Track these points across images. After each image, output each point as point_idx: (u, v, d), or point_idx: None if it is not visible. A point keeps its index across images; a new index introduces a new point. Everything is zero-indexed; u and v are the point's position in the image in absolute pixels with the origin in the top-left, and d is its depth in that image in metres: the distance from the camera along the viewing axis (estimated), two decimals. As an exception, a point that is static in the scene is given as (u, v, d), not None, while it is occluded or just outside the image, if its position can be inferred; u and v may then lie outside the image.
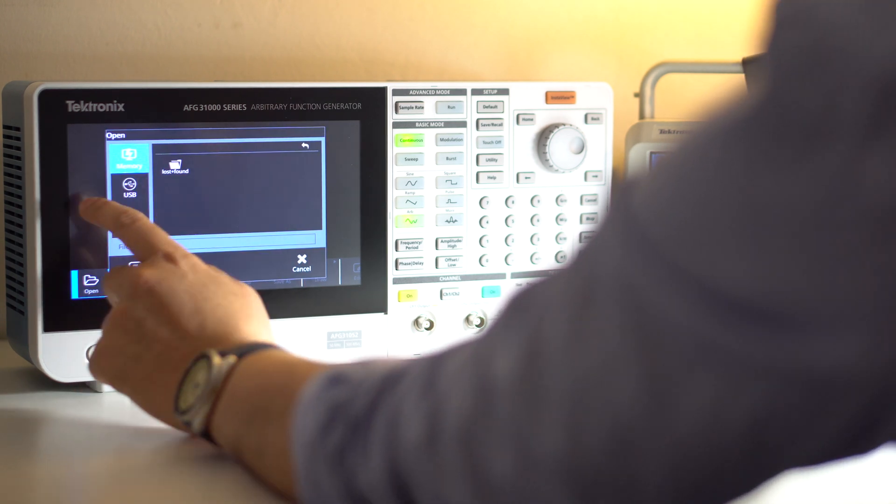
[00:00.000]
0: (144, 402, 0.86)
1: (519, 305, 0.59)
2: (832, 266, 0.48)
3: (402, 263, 1.08)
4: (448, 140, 1.09)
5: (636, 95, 1.27)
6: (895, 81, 0.46)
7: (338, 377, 0.69)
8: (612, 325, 0.53)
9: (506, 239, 1.11)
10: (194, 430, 0.80)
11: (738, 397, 0.51)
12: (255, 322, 0.86)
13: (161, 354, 0.84)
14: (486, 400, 0.58)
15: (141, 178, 1.00)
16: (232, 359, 0.79)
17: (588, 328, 0.54)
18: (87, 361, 0.99)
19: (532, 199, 1.11)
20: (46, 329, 0.98)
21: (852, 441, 0.52)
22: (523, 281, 0.59)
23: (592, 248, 0.55)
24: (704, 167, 0.51)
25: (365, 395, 0.66)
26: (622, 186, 0.55)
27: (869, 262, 0.48)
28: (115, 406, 0.97)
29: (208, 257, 1.02)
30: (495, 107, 1.10)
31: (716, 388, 0.51)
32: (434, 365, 0.62)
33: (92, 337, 0.99)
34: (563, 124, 1.12)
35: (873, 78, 0.46)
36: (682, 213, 0.51)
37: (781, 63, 0.49)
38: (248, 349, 0.80)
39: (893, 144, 0.46)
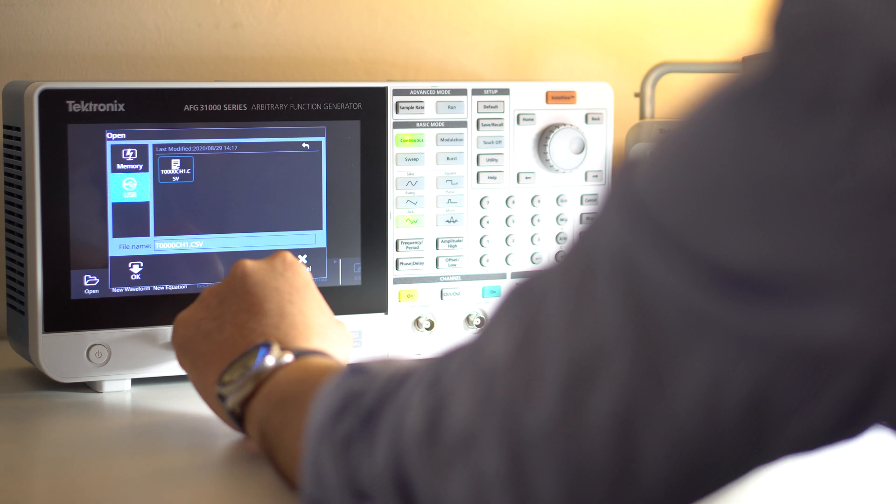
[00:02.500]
0: (197, 378, 0.87)
1: (519, 293, 0.59)
2: (833, 238, 0.48)
3: (402, 263, 1.08)
4: (448, 140, 1.09)
5: (636, 95, 1.27)
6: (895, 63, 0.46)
7: (359, 368, 0.70)
8: (611, 299, 0.53)
9: (506, 239, 1.11)
10: (227, 406, 0.80)
11: (737, 371, 0.51)
12: (330, 343, 0.86)
13: (230, 338, 0.85)
14: (484, 386, 0.58)
15: (141, 178, 1.00)
16: (290, 356, 0.80)
17: (586, 304, 0.54)
18: (86, 361, 0.99)
19: (532, 199, 1.11)
20: (46, 329, 0.98)
21: (848, 419, 0.52)
22: (547, 263, 0.59)
23: (593, 227, 0.55)
24: (706, 138, 0.51)
25: (379, 389, 0.66)
26: (624, 165, 0.55)
27: (869, 235, 0.48)
28: (116, 406, 0.97)
29: (209, 257, 1.02)
30: (496, 107, 1.10)
31: (714, 363, 0.51)
32: (442, 361, 0.63)
33: (92, 337, 0.99)
34: (564, 124, 1.12)
35: (876, 56, 0.47)
36: (682, 184, 0.51)
37: (788, 33, 0.49)
38: (308, 353, 0.81)
39: (893, 121, 0.47)
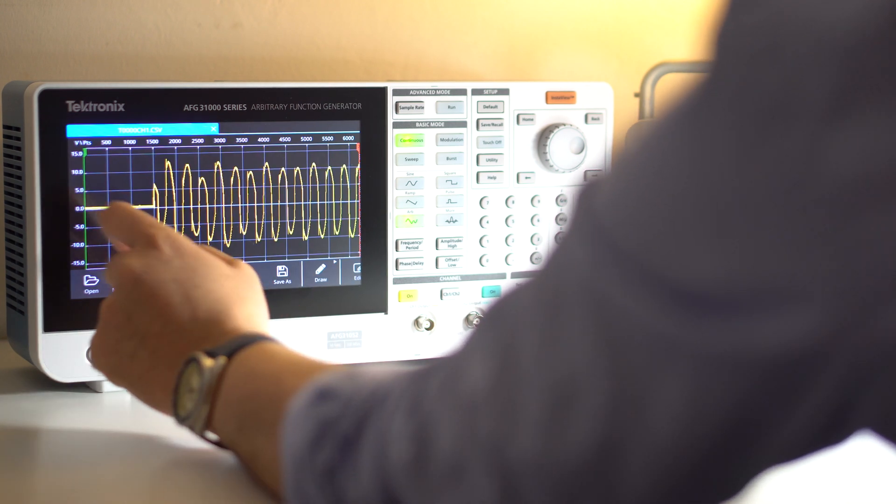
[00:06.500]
0: (144, 397, 0.85)
1: (493, 316, 0.58)
2: (795, 248, 0.47)
3: (402, 263, 1.08)
4: (448, 140, 1.09)
5: (636, 95, 1.27)
6: (856, 47, 0.45)
7: (326, 392, 0.68)
8: (580, 330, 0.53)
9: (506, 239, 1.11)
10: (197, 433, 0.79)
11: (713, 391, 0.50)
12: (248, 304, 0.85)
13: (156, 350, 0.83)
14: (467, 418, 0.58)
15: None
16: (222, 360, 0.78)
17: (557, 334, 0.54)
18: (86, 361, 0.99)
19: (532, 199, 1.11)
20: (46, 329, 0.98)
21: (830, 427, 0.52)
22: (520, 282, 0.59)
23: (559, 253, 0.55)
24: (661, 158, 0.51)
25: (353, 414, 0.65)
26: (584, 187, 0.54)
27: (831, 243, 0.47)
28: (116, 406, 0.97)
29: (208, 257, 1.02)
30: (495, 107, 1.10)
31: (689, 385, 0.51)
32: (419, 383, 0.62)
33: (92, 337, 0.99)
34: (564, 124, 1.12)
35: (835, 48, 0.46)
36: (640, 207, 0.51)
37: (736, 46, 0.48)
38: (238, 345, 0.79)
39: (858, 117, 0.46)
